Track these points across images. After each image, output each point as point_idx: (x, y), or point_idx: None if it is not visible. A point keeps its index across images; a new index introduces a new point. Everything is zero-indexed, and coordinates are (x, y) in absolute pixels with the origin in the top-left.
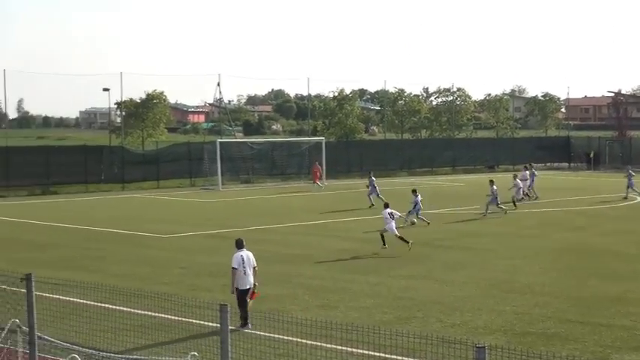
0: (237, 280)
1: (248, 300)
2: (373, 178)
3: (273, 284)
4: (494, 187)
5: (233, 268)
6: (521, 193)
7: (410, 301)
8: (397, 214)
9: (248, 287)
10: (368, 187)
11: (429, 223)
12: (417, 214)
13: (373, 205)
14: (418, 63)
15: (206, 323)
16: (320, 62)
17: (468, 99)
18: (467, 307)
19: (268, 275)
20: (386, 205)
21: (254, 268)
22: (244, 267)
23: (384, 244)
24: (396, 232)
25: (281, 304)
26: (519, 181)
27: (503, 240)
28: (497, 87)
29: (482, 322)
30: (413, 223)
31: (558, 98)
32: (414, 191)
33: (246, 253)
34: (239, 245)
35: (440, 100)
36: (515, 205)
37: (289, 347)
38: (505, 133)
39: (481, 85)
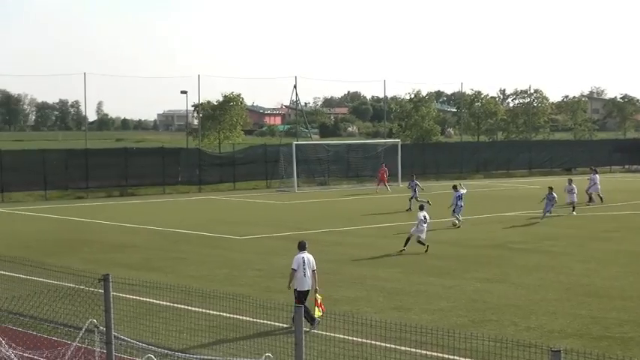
0: (297, 282)
1: (316, 303)
2: (416, 182)
3: (347, 286)
4: (554, 193)
5: (292, 269)
6: (576, 197)
7: (484, 304)
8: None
9: (307, 289)
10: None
11: (458, 226)
12: (454, 212)
13: (410, 209)
14: (495, 65)
15: (280, 324)
16: (396, 64)
17: (545, 101)
18: (542, 310)
19: (343, 277)
20: (421, 207)
21: (313, 270)
22: (304, 269)
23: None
24: (422, 236)
25: (355, 306)
26: (574, 186)
27: (579, 243)
28: (575, 88)
29: (558, 325)
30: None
31: (638, 100)
32: (455, 187)
33: (306, 256)
34: (301, 247)
35: (517, 101)
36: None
37: (363, 349)
38: (583, 135)
39: (558, 86)
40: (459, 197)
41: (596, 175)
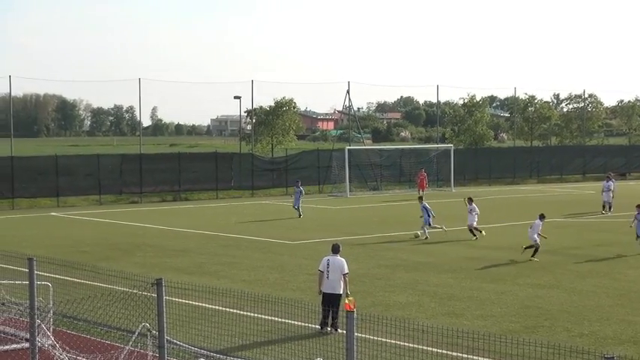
0: (322, 284)
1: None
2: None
3: (399, 291)
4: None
5: (319, 270)
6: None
7: (537, 310)
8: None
9: (330, 292)
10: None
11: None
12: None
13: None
14: (549, 69)
15: (332, 329)
16: (450, 69)
17: (599, 105)
18: (595, 316)
19: (394, 282)
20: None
21: (344, 275)
22: (328, 271)
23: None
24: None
25: (407, 311)
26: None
27: (633, 249)
28: (630, 93)
29: (612, 332)
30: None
31: None
32: (470, 200)
33: (333, 259)
34: (333, 250)
35: (571, 106)
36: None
37: (415, 355)
38: (638, 140)
39: (613, 91)
40: (427, 209)
41: (611, 182)
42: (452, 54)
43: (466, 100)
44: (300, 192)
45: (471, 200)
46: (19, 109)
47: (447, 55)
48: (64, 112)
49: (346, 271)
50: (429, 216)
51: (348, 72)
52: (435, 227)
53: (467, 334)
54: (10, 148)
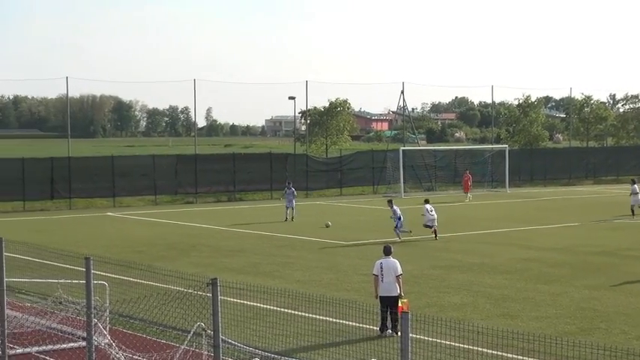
0: (379, 287)
1: (400, 309)
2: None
3: (453, 292)
4: None
5: (373, 274)
6: None
7: (593, 312)
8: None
9: (386, 295)
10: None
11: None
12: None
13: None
14: (605, 70)
15: (386, 330)
16: (505, 69)
17: None
18: None
19: (449, 283)
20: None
21: (397, 276)
22: (382, 274)
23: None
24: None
25: (462, 312)
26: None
27: None
28: None
29: None
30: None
31: None
32: (390, 201)
33: (386, 261)
34: (385, 252)
35: (627, 106)
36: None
37: (470, 356)
38: None
39: None
40: (398, 213)
41: (636, 186)
42: (507, 54)
43: (521, 101)
44: (292, 192)
45: (426, 201)
46: (76, 110)
47: (502, 56)
48: (120, 112)
49: (400, 272)
50: (399, 220)
51: (403, 72)
52: (404, 231)
53: (522, 335)
54: (68, 148)
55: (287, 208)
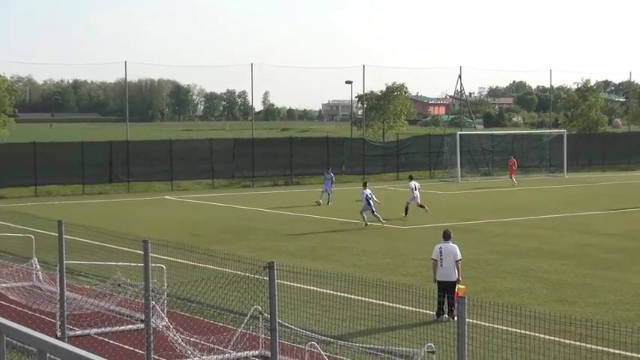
0: (437, 272)
1: (456, 294)
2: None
3: (510, 278)
4: None
5: (432, 259)
6: None
7: None
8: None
9: (444, 280)
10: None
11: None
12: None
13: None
14: None
15: (443, 315)
16: (563, 54)
17: None
18: None
19: (506, 268)
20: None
21: (456, 261)
22: (441, 259)
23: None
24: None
25: (518, 297)
26: None
27: None
28: None
29: None
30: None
31: None
32: (365, 184)
33: (445, 246)
34: (445, 236)
35: None
36: None
37: (526, 341)
38: None
39: None
40: (367, 196)
41: None
42: (566, 38)
43: (580, 85)
44: (331, 178)
45: (411, 178)
46: (135, 95)
47: (561, 39)
48: (178, 97)
49: (459, 257)
50: (369, 204)
51: (461, 56)
52: (377, 217)
53: (579, 321)
54: (126, 132)
55: (322, 192)
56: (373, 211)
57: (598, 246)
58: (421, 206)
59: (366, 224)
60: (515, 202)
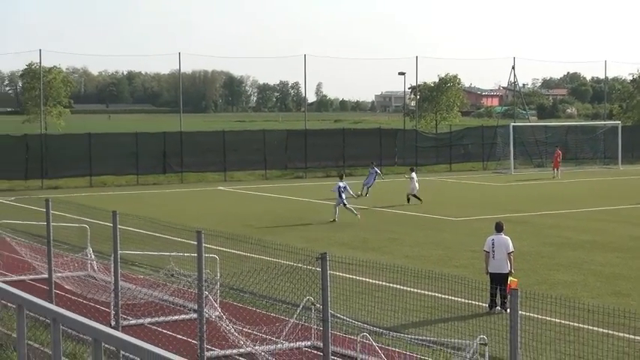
0: (488, 264)
1: (508, 286)
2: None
3: (563, 270)
4: None
5: (484, 251)
6: None
7: None
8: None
9: (496, 272)
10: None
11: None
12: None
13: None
14: None
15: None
16: (618, 44)
17: None
18: None
19: (559, 261)
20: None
21: (509, 253)
22: (494, 251)
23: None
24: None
25: (572, 290)
26: None
27: None
28: None
29: None
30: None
31: None
32: (341, 176)
33: (498, 238)
34: (497, 228)
35: None
36: None
37: (579, 334)
38: None
39: None
40: (340, 189)
41: None
42: (621, 28)
43: (635, 76)
44: (375, 172)
45: (412, 169)
46: (188, 86)
47: (616, 30)
48: (231, 88)
49: (511, 249)
50: (340, 197)
51: (514, 48)
52: (350, 209)
53: (633, 314)
54: (180, 123)
55: (364, 185)
56: (345, 205)
57: None
58: (415, 196)
59: (334, 220)
60: (568, 194)
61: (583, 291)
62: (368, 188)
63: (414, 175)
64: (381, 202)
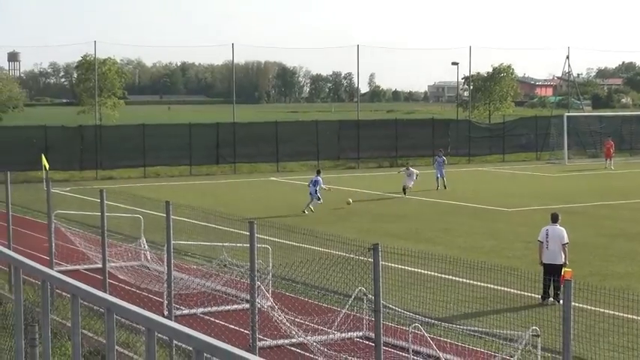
0: (542, 254)
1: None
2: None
3: (618, 261)
4: None
5: (538, 241)
6: None
7: None
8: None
9: (550, 262)
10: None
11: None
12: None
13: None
14: None
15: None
16: None
17: None
18: None
19: (613, 252)
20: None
21: (563, 245)
22: (547, 241)
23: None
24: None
25: (626, 281)
26: None
27: None
28: None
29: None
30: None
31: None
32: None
33: (552, 228)
34: (552, 219)
35: None
36: None
37: (633, 326)
38: None
39: None
40: (314, 183)
41: None
42: None
43: None
44: (443, 161)
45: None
46: (241, 77)
47: None
48: (284, 78)
49: (566, 240)
50: (315, 191)
51: (568, 37)
52: (314, 203)
53: None
54: (233, 114)
55: (437, 177)
56: (312, 199)
57: None
58: (404, 189)
59: (304, 211)
60: (623, 184)
61: (637, 282)
62: (443, 179)
63: (413, 170)
64: (435, 192)
